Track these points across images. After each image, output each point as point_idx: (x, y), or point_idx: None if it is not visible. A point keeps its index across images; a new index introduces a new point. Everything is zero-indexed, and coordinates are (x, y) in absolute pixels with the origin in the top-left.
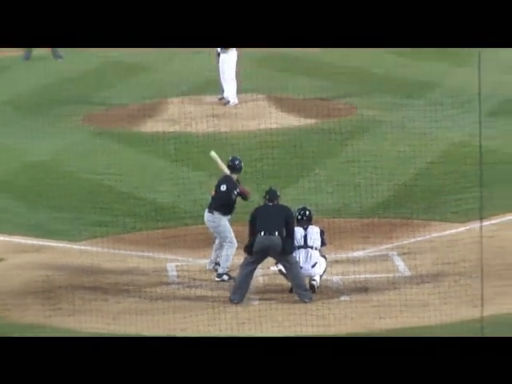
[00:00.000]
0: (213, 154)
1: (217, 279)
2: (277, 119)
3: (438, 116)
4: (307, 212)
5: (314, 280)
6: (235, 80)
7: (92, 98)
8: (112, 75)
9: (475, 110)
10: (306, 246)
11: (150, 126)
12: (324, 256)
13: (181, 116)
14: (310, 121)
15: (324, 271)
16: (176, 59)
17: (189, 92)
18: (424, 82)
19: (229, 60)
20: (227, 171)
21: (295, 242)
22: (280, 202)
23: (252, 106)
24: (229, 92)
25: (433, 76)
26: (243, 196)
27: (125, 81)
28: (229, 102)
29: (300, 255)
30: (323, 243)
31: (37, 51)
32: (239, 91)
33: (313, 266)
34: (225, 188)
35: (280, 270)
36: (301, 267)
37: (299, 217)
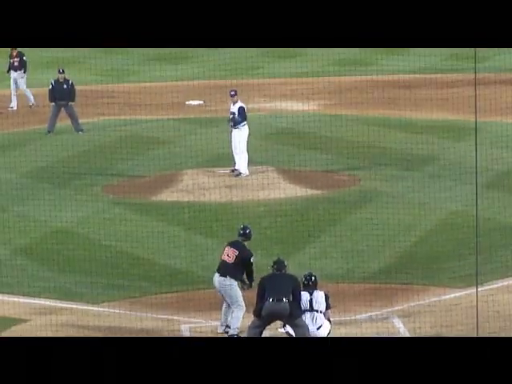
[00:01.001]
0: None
1: None
2: (285, 190)
3: (436, 187)
4: (313, 277)
5: None
6: (246, 153)
7: (111, 169)
8: (130, 148)
9: (470, 182)
10: (311, 309)
11: (166, 196)
12: (329, 319)
13: (195, 187)
14: (316, 191)
15: (329, 333)
16: (191, 134)
17: (203, 164)
18: (423, 155)
19: (240, 135)
20: None
21: (301, 306)
22: (287, 269)
23: (262, 177)
24: (240, 164)
25: (431, 150)
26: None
27: (142, 153)
28: (240, 173)
29: (306, 318)
30: (328, 306)
31: (59, 125)
32: (250, 163)
33: (318, 329)
34: (242, 256)
35: (287, 332)
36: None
37: (305, 282)
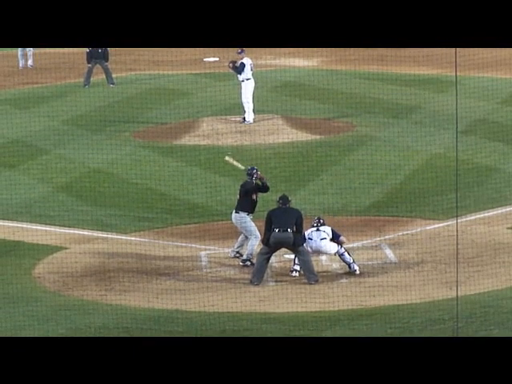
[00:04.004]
0: (226, 158)
1: (241, 264)
2: (289, 135)
3: (420, 132)
4: (321, 220)
5: (354, 270)
6: (251, 104)
7: (139, 117)
8: (156, 99)
9: (450, 128)
10: (318, 229)
11: (187, 140)
12: (341, 243)
13: (211, 132)
14: (316, 136)
15: (337, 251)
16: (208, 87)
17: (218, 113)
18: (409, 105)
19: (247, 87)
20: (242, 167)
21: (313, 228)
22: (291, 204)
23: (269, 124)
24: (248, 113)
25: (416, 100)
26: (264, 186)
27: (166, 103)
28: (247, 121)
29: (313, 233)
30: (338, 235)
31: (94, 79)
32: (259, 112)
33: (321, 240)
34: (245, 192)
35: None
36: (314, 240)
37: (314, 224)
